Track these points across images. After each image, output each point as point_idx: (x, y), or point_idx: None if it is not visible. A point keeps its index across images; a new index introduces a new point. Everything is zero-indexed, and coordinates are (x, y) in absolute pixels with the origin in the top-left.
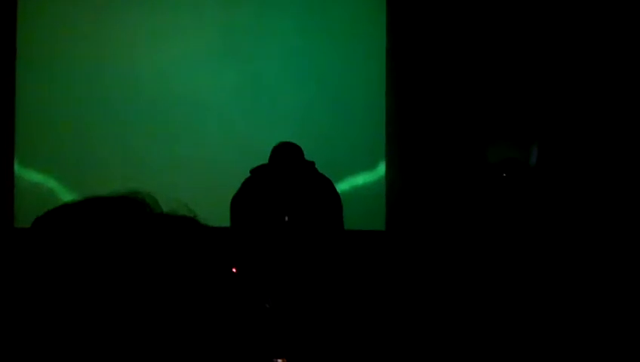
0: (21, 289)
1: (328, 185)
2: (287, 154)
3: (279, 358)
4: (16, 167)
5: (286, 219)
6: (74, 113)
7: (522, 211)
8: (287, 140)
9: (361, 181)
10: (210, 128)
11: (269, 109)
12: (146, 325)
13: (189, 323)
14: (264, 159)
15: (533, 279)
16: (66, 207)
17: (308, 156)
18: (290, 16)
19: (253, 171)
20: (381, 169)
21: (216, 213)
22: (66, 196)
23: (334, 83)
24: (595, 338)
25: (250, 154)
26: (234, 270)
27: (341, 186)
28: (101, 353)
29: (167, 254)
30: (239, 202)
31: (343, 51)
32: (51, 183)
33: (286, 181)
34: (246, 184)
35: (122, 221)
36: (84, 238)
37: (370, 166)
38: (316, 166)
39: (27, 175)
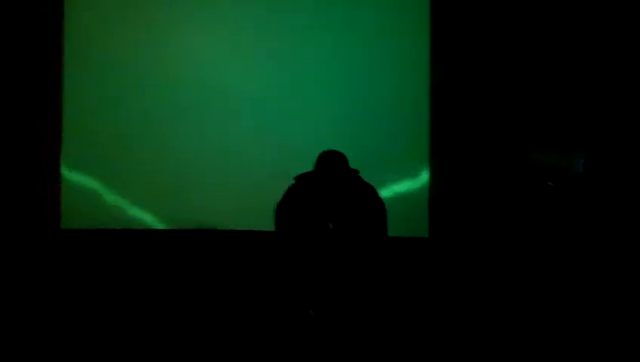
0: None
1: (372, 193)
2: (332, 161)
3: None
4: (63, 170)
5: (330, 226)
6: (117, 116)
7: (568, 220)
8: (327, 146)
9: (404, 188)
10: (247, 127)
11: (307, 113)
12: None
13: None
14: (302, 160)
15: (579, 287)
16: None
17: (350, 162)
18: (330, 14)
19: (298, 178)
20: (424, 176)
21: (253, 214)
22: (110, 197)
23: (376, 88)
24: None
25: (290, 158)
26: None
27: (384, 193)
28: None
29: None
30: (284, 209)
31: (386, 54)
32: (95, 185)
33: (331, 188)
34: (291, 191)
35: None
36: None
37: (413, 173)
38: (360, 174)
39: (73, 177)
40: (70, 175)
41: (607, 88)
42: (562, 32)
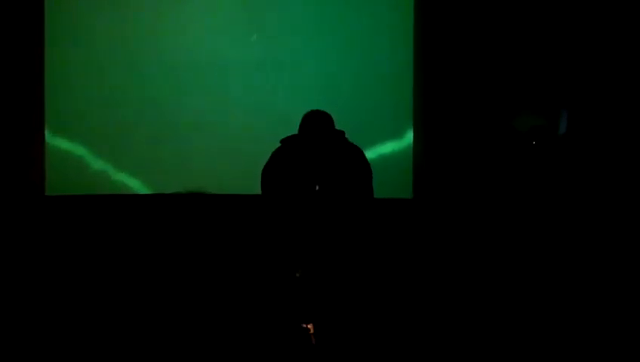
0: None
1: (359, 154)
2: (317, 123)
3: (307, 324)
4: (47, 136)
5: (317, 187)
6: (100, 81)
7: (551, 179)
8: (314, 108)
9: (388, 149)
10: (234, 94)
11: (293, 78)
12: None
13: (220, 289)
14: (289, 125)
15: (562, 248)
16: None
17: (335, 125)
18: None
19: (284, 141)
20: (408, 137)
21: (239, 179)
22: (96, 163)
23: (360, 51)
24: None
25: (275, 121)
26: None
27: (368, 155)
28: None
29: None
30: (270, 172)
31: (368, 19)
32: (80, 151)
33: (316, 150)
34: (276, 154)
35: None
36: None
37: (398, 134)
38: (345, 135)
39: (57, 143)
40: (54, 141)
41: (588, 48)
42: None
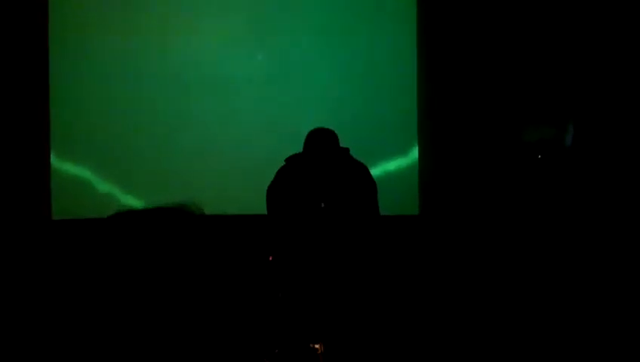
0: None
1: (364, 171)
2: (322, 140)
3: (316, 343)
4: (53, 160)
5: (322, 205)
6: (106, 103)
7: (558, 193)
8: (320, 126)
9: (393, 166)
10: (241, 111)
11: (299, 94)
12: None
13: (226, 308)
14: (294, 143)
15: (569, 261)
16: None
17: (339, 142)
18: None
19: (289, 159)
20: (414, 153)
21: (247, 199)
22: (102, 187)
23: (365, 67)
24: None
25: (281, 138)
26: (270, 258)
27: (374, 172)
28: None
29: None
30: (275, 191)
31: (373, 34)
32: (86, 174)
33: (322, 167)
34: (281, 172)
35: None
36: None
37: (403, 151)
38: (350, 152)
39: (63, 167)
40: (60, 165)
41: (596, 61)
42: (552, 4)
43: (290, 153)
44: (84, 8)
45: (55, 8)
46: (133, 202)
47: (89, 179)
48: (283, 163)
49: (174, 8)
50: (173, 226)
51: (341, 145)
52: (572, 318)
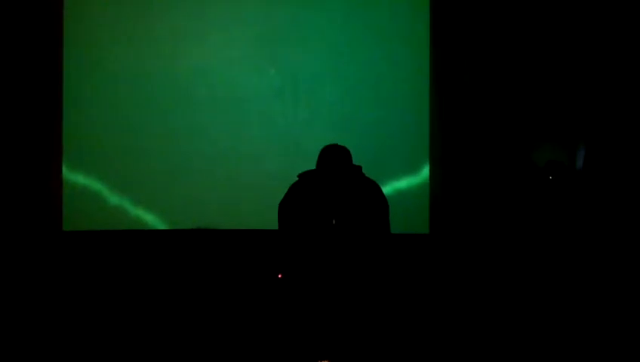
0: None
1: (375, 189)
2: (335, 157)
3: (324, 360)
4: (65, 171)
5: (334, 222)
6: (117, 116)
7: (569, 214)
8: (330, 143)
9: (404, 184)
10: (251, 125)
11: (309, 109)
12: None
13: (235, 323)
14: (304, 158)
15: (579, 282)
16: None
17: (352, 159)
18: (330, 14)
19: (302, 176)
20: (425, 172)
21: (256, 213)
22: (113, 198)
23: (376, 85)
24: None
25: (292, 156)
26: (280, 276)
27: (385, 190)
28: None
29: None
30: (287, 206)
31: (385, 53)
32: (97, 186)
33: (334, 184)
34: (293, 188)
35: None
36: None
37: (414, 169)
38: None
39: (74, 178)
40: (72, 177)
41: (607, 82)
42: (563, 26)
43: (299, 168)
44: (98, 22)
45: (69, 21)
46: (143, 214)
47: (100, 190)
48: (296, 178)
49: (187, 26)
50: (184, 241)
51: (353, 163)
52: (581, 337)
